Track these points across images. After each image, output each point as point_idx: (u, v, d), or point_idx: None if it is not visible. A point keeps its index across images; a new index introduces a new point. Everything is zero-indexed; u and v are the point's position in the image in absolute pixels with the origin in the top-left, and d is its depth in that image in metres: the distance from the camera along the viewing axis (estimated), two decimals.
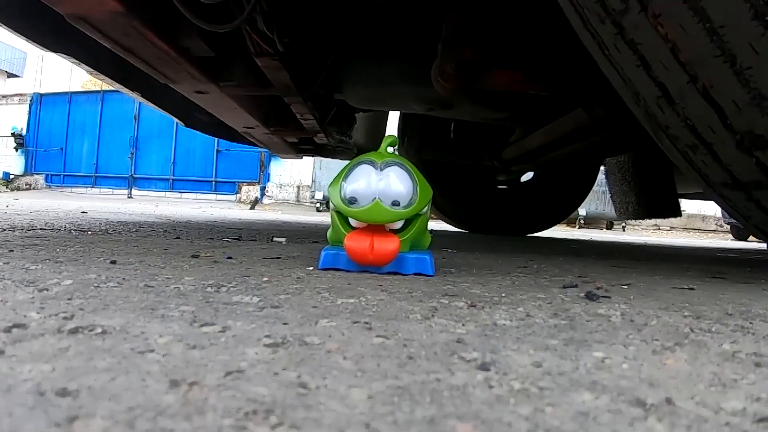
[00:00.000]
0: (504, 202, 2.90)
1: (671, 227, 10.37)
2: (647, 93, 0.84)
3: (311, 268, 0.85)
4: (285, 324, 0.45)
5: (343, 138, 2.01)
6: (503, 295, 0.67)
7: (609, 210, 8.05)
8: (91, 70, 1.48)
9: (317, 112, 1.68)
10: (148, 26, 1.03)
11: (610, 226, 9.98)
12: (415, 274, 0.82)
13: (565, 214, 3.00)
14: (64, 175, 12.61)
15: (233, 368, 0.33)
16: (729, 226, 8.98)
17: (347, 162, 0.88)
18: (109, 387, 0.29)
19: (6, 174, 12.48)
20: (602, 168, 2.91)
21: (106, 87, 10.45)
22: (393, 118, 2.65)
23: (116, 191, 11.93)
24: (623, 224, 10.00)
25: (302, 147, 2.26)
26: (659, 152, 1.04)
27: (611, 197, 2.65)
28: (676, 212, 2.20)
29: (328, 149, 2.30)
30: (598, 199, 9.26)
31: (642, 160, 2.31)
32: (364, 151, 2.60)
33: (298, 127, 1.82)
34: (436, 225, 3.38)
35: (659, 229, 10.32)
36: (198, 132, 2.20)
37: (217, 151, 11.47)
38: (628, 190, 2.39)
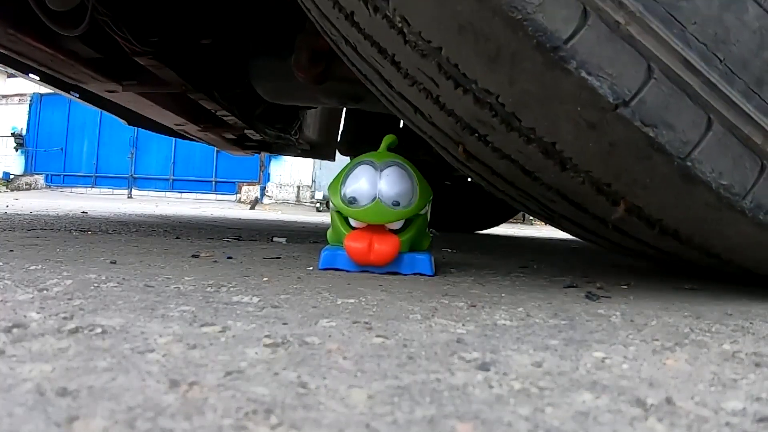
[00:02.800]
0: (452, 200, 2.88)
1: None
2: None
3: (311, 268, 0.85)
4: (285, 324, 0.46)
5: (280, 134, 2.00)
6: (503, 295, 0.67)
7: None
8: (17, 72, 1.52)
9: (236, 108, 1.69)
10: (27, 33, 1.15)
11: None
12: (414, 274, 0.82)
13: (513, 211, 2.99)
14: (64, 175, 12.61)
15: (233, 368, 0.33)
16: None
17: (347, 162, 0.88)
18: (109, 387, 0.29)
19: (6, 174, 12.48)
20: None
21: None
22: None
23: (116, 191, 11.93)
24: None
25: (247, 144, 2.26)
26: None
27: None
28: None
29: (274, 146, 2.28)
30: None
31: None
32: (317, 147, 2.55)
33: (225, 123, 1.84)
34: None
35: None
36: None
37: (217, 150, 11.46)
38: None
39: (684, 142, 0.57)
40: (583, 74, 0.54)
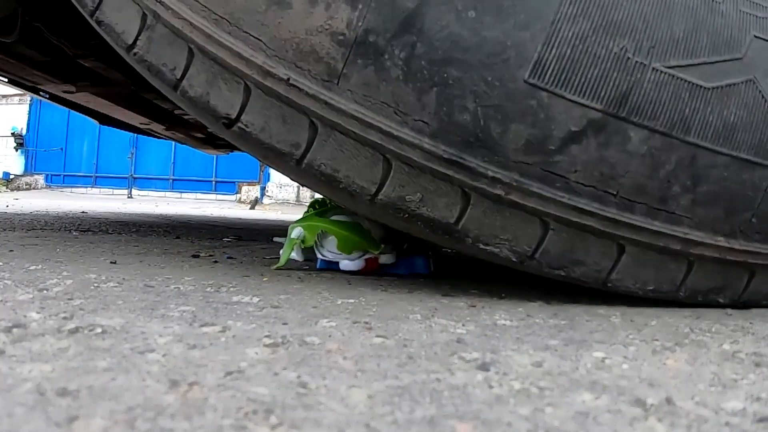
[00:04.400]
0: None
1: None
2: None
3: (307, 267, 0.85)
4: (285, 324, 0.45)
5: None
6: (503, 295, 0.67)
7: None
8: None
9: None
10: None
11: None
12: (414, 274, 0.82)
13: None
14: (64, 175, 12.59)
15: (233, 368, 0.33)
16: None
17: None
18: (109, 387, 0.29)
19: (6, 174, 12.47)
20: None
21: None
22: None
23: (116, 191, 11.91)
24: None
25: (218, 143, 2.26)
26: None
27: None
28: None
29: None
30: None
31: None
32: None
33: (189, 122, 1.85)
34: None
35: None
36: None
37: None
38: None
39: (598, 271, 0.58)
40: (481, 246, 0.57)
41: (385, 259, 0.81)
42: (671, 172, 0.56)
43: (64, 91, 1.58)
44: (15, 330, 0.39)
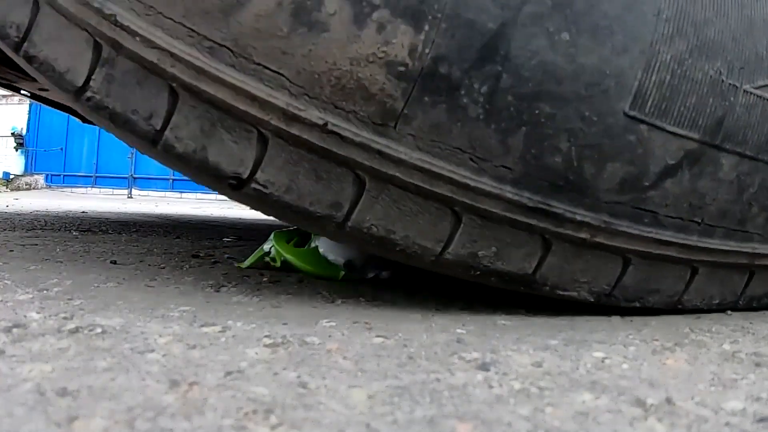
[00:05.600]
0: None
1: None
2: None
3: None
4: (285, 324, 0.46)
5: None
6: (503, 295, 0.67)
7: None
8: None
9: None
10: None
11: None
12: (412, 275, 0.82)
13: None
14: (64, 175, 12.59)
15: (233, 368, 0.33)
16: None
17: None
18: (109, 387, 0.29)
19: (6, 174, 12.47)
20: None
21: None
22: None
23: (116, 191, 11.91)
24: None
25: None
26: None
27: None
28: None
29: None
30: None
31: None
32: None
33: None
34: None
35: None
36: None
37: None
38: None
39: (671, 296, 0.56)
40: (558, 292, 0.53)
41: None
42: (753, 194, 0.54)
43: (39, 89, 1.58)
44: (15, 330, 0.39)
